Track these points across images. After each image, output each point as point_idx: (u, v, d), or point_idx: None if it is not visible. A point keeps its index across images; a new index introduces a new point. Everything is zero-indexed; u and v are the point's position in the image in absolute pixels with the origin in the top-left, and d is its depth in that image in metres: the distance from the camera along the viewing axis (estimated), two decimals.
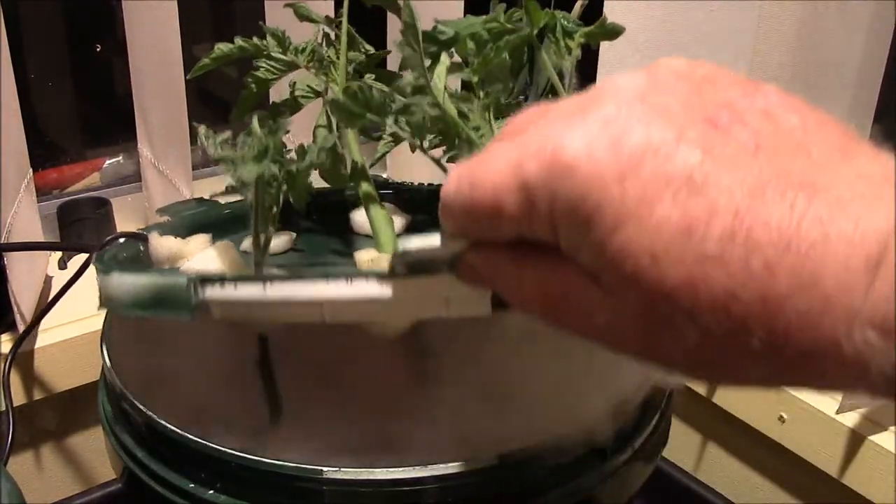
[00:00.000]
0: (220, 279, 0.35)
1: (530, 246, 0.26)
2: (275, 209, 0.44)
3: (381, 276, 0.33)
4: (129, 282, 0.38)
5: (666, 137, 0.23)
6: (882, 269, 0.21)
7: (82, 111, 0.95)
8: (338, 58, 0.48)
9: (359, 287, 0.33)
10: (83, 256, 0.80)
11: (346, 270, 0.35)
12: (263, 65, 0.52)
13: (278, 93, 0.53)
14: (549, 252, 0.25)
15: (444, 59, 0.47)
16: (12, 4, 0.80)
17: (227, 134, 0.44)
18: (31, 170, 0.72)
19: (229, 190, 0.47)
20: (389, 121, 0.45)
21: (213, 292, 0.35)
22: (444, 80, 0.46)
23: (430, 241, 0.31)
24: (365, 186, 0.51)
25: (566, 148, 0.23)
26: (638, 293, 0.23)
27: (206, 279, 0.35)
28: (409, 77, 0.46)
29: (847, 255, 0.21)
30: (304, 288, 0.34)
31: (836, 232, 0.21)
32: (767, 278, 0.21)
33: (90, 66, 0.94)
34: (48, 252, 0.78)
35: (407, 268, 0.32)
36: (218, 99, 0.98)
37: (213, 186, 0.91)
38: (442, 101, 0.44)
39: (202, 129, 0.44)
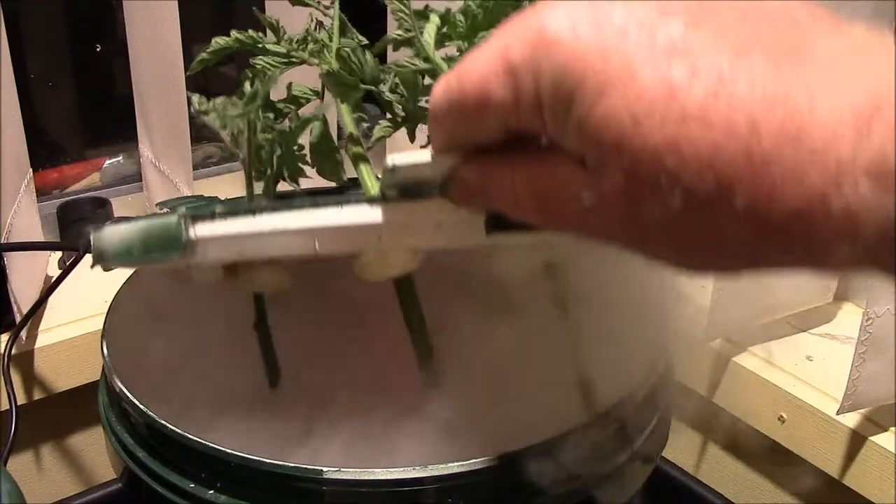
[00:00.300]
0: (211, 215, 0.34)
1: (519, 148, 0.27)
2: (269, 171, 0.44)
3: (371, 201, 0.33)
4: (120, 230, 0.37)
5: (650, 12, 0.23)
6: (877, 120, 0.20)
7: (82, 111, 0.95)
8: (330, 40, 0.48)
9: (349, 213, 0.33)
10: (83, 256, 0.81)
11: (337, 198, 0.34)
12: (260, 61, 0.51)
13: (277, 95, 0.52)
14: (538, 150, 0.26)
15: (434, 18, 0.47)
16: (12, 4, 0.80)
17: (221, 99, 0.44)
18: (31, 170, 0.72)
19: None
20: (385, 88, 0.44)
21: (203, 228, 0.35)
22: (433, 37, 0.46)
23: (419, 156, 0.30)
24: (355, 149, 0.50)
25: (550, 25, 0.24)
26: (621, 163, 0.23)
27: (196, 216, 0.35)
28: (397, 32, 0.46)
29: (835, 108, 0.21)
30: (294, 218, 0.34)
31: (825, 89, 0.21)
32: (751, 135, 0.21)
33: (90, 66, 0.94)
34: (48, 252, 0.78)
35: (398, 191, 0.32)
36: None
37: (213, 186, 0.91)
38: (432, 55, 0.44)
39: (195, 98, 0.43)
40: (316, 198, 0.35)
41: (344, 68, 0.45)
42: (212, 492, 0.41)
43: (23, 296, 0.68)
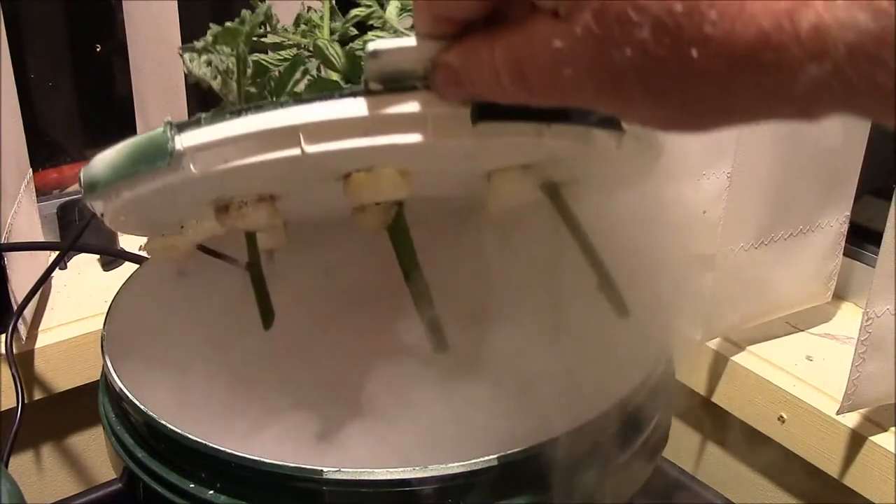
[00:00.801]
0: (197, 121, 0.34)
1: (499, 26, 0.28)
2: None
3: (356, 93, 0.33)
4: (107, 153, 0.37)
5: None
6: None
7: (82, 111, 0.95)
8: (321, 21, 0.49)
9: (334, 107, 0.33)
10: (83, 256, 0.81)
11: (321, 94, 0.34)
12: (256, 57, 0.51)
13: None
14: (516, 23, 0.27)
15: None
16: (12, 4, 0.80)
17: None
18: (31, 170, 0.72)
19: None
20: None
21: (189, 137, 0.34)
22: (395, 15, 0.46)
23: (401, 42, 0.31)
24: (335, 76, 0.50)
25: None
26: (591, 2, 0.24)
27: (182, 124, 0.34)
28: (359, 9, 0.46)
29: None
30: (279, 115, 0.33)
31: None
32: None
33: (90, 66, 0.94)
34: (48, 252, 0.78)
35: (382, 82, 0.32)
36: (219, 99, 0.98)
37: None
38: (395, 24, 0.44)
39: (187, 55, 0.43)
40: (301, 97, 0.35)
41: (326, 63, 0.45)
42: (212, 492, 0.41)
43: (23, 295, 0.68)
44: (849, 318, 0.74)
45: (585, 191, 0.43)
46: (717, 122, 0.25)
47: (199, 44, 0.43)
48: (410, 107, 0.33)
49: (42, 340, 0.70)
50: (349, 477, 0.39)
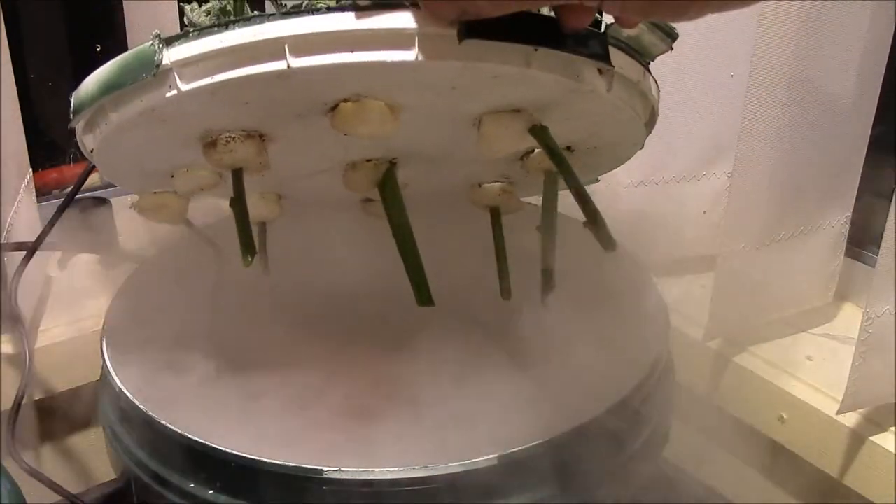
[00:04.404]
0: (185, 34, 0.34)
1: None
2: None
3: (344, 7, 0.32)
4: (96, 72, 0.38)
5: None
6: None
7: None
8: None
9: (320, 21, 0.33)
10: (83, 256, 0.80)
11: (309, 7, 0.34)
12: None
13: None
14: None
15: None
16: (12, 4, 0.80)
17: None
18: (31, 170, 0.72)
19: None
20: None
21: (177, 52, 0.34)
22: None
23: None
24: None
25: None
26: None
27: (170, 38, 0.34)
28: None
29: None
30: (267, 28, 0.33)
31: None
32: None
33: (90, 66, 0.94)
34: (48, 252, 0.78)
35: None
36: None
37: None
38: None
39: (188, 7, 0.43)
40: (289, 10, 0.34)
41: None
42: (212, 492, 0.41)
43: (23, 295, 0.68)
44: (849, 318, 0.74)
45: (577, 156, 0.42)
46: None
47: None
48: (398, 23, 0.32)
49: (42, 340, 0.70)
50: (349, 477, 0.39)
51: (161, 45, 0.34)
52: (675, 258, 0.74)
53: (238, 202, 0.43)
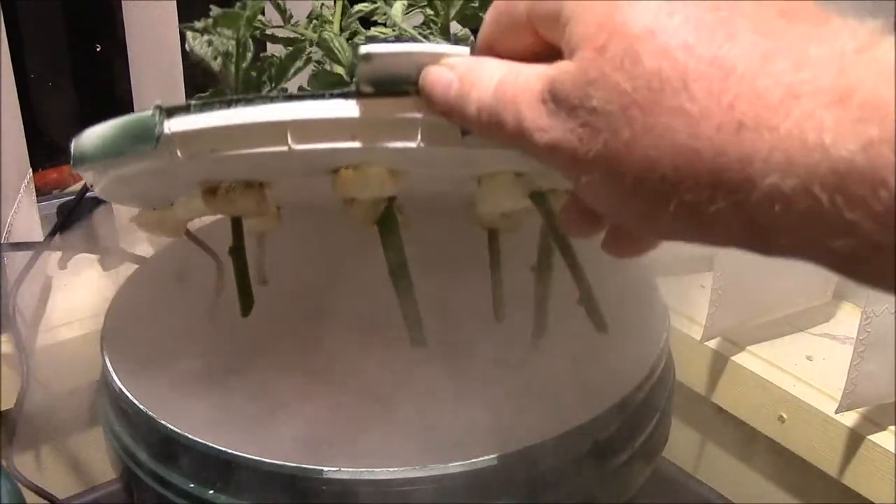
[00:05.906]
0: (186, 107, 0.34)
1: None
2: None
3: (346, 95, 0.32)
4: (97, 129, 0.38)
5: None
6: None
7: (82, 111, 0.95)
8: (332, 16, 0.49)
9: (324, 107, 0.33)
10: (83, 256, 0.80)
11: (312, 93, 0.34)
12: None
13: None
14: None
15: None
16: (12, 4, 0.80)
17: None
18: (31, 170, 0.72)
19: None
20: None
21: (178, 122, 0.34)
22: (399, 12, 0.46)
23: (394, 47, 0.31)
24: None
25: None
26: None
27: (171, 109, 0.34)
28: (364, 4, 0.46)
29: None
30: (268, 110, 0.33)
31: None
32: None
33: (90, 66, 0.94)
34: (48, 252, 0.78)
35: (373, 85, 0.31)
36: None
37: None
38: (399, 23, 0.44)
39: (189, 34, 0.43)
40: (292, 93, 0.34)
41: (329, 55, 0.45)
42: (212, 492, 0.41)
43: (23, 295, 0.68)
44: (848, 317, 0.74)
45: None
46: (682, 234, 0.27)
47: (199, 24, 0.43)
48: (401, 112, 0.32)
49: (42, 340, 0.70)
50: (349, 477, 0.39)
51: (162, 116, 0.34)
52: (675, 257, 0.74)
53: (237, 252, 0.43)
